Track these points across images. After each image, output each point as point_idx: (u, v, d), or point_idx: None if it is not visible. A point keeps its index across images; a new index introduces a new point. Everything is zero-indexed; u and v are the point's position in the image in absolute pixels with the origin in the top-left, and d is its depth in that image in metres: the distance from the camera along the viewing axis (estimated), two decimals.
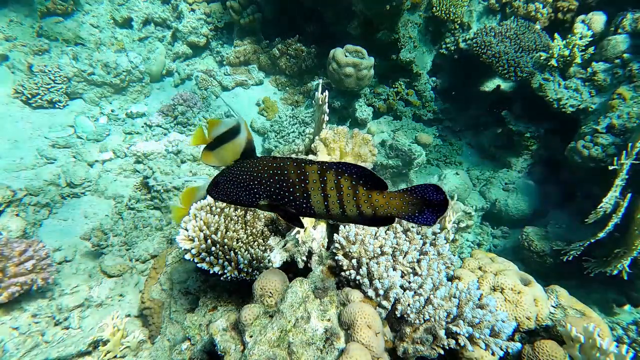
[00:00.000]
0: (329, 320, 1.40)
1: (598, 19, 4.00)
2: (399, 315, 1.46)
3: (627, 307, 2.97)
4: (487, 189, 4.33)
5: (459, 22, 4.62)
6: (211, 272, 1.71)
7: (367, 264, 1.50)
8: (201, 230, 1.74)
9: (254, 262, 1.75)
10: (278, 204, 1.01)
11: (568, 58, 3.81)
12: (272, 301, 1.46)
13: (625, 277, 2.77)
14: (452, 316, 1.42)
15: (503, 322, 1.42)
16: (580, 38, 3.71)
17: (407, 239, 1.60)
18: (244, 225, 1.92)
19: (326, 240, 1.76)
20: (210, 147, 1.61)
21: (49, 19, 4.66)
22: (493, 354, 1.41)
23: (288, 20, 5.11)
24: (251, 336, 1.36)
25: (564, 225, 3.60)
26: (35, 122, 4.00)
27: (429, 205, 1.03)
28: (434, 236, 1.65)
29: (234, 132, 1.58)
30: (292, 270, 1.75)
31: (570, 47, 3.75)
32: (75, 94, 4.46)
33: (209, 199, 1.91)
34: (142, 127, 4.48)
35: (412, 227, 1.63)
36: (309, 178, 0.98)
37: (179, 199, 1.78)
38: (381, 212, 1.01)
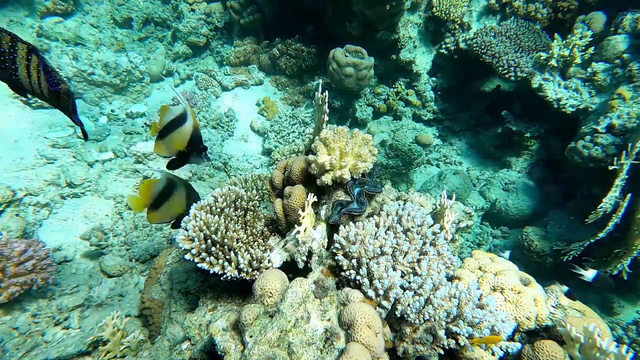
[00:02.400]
0: (329, 320, 1.40)
1: (598, 19, 4.00)
2: (399, 315, 1.46)
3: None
4: (487, 189, 4.34)
5: (459, 22, 4.62)
6: (211, 272, 1.71)
7: (367, 264, 1.50)
8: (201, 230, 1.74)
9: (254, 262, 1.75)
10: None
11: (568, 58, 3.81)
12: (272, 301, 1.46)
13: (625, 277, 2.78)
14: (452, 316, 1.42)
15: (503, 322, 1.42)
16: (580, 38, 3.71)
17: (407, 239, 1.59)
18: (244, 225, 1.92)
19: (326, 240, 1.76)
20: (160, 136, 1.61)
21: (49, 19, 4.66)
22: (493, 354, 1.41)
23: (288, 20, 5.11)
24: (251, 336, 1.36)
25: (564, 225, 3.61)
26: (35, 122, 4.00)
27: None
28: (434, 236, 1.65)
29: (180, 120, 1.57)
30: (292, 270, 1.75)
31: (570, 47, 3.75)
32: (75, 94, 4.46)
33: (209, 199, 1.91)
34: (142, 127, 4.48)
35: (412, 227, 1.63)
36: (18, 53, 1.10)
37: (138, 190, 1.80)
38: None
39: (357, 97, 4.86)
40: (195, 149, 1.64)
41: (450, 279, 1.67)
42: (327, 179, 1.70)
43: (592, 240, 2.98)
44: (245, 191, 2.07)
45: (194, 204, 1.75)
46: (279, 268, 1.73)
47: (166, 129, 1.58)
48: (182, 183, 1.72)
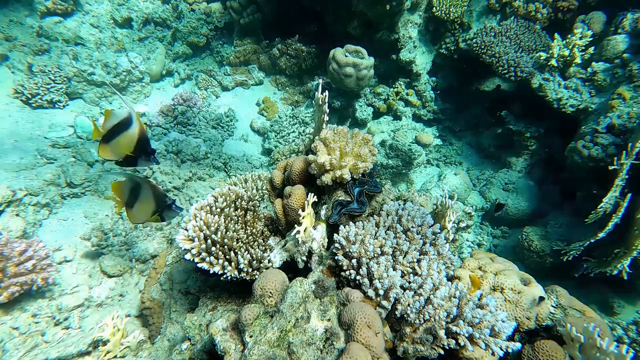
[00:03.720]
0: (329, 320, 1.40)
1: (598, 19, 4.00)
2: (399, 315, 1.46)
3: None
4: (487, 189, 4.33)
5: (459, 22, 4.62)
6: (211, 272, 1.71)
7: (367, 264, 1.50)
8: (201, 230, 1.74)
9: (254, 262, 1.75)
10: None
11: (568, 58, 3.81)
12: (272, 301, 1.46)
13: (625, 277, 2.77)
14: (452, 316, 1.42)
15: (503, 322, 1.41)
16: (580, 38, 3.71)
17: (407, 239, 1.59)
18: (244, 225, 1.92)
19: (326, 240, 1.76)
20: (105, 140, 1.60)
21: (49, 19, 4.66)
22: (493, 354, 1.41)
23: (288, 20, 5.11)
24: (251, 336, 1.36)
25: (564, 225, 3.60)
26: (35, 122, 4.00)
27: None
28: (434, 236, 1.65)
29: (126, 124, 1.57)
30: (292, 270, 1.75)
31: (570, 47, 3.75)
32: (75, 94, 4.46)
33: (209, 199, 1.91)
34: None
35: (412, 227, 1.63)
36: None
37: (113, 192, 1.82)
38: None
39: (357, 97, 4.86)
40: (143, 153, 1.64)
41: (450, 279, 1.67)
42: (327, 179, 1.70)
43: (592, 240, 2.98)
44: (245, 191, 2.07)
45: (167, 199, 1.76)
46: (279, 268, 1.73)
47: (111, 133, 1.57)
48: (145, 181, 1.74)
